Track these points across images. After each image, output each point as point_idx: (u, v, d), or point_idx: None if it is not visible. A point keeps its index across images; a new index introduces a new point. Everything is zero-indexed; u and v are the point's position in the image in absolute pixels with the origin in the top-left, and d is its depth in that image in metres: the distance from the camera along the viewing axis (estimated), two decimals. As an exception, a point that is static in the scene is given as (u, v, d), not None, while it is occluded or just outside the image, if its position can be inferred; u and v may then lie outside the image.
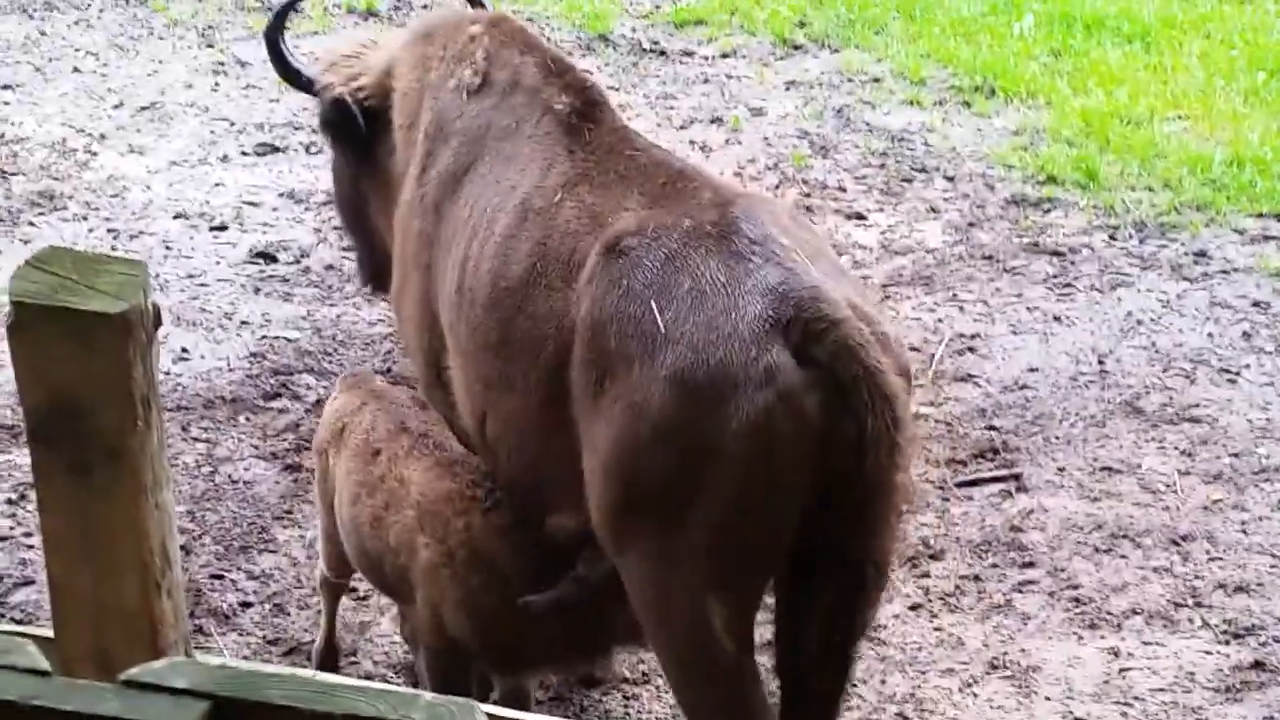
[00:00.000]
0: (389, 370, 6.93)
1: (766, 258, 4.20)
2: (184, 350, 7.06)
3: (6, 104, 9.05)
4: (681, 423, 4.10)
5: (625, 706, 5.42)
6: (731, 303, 4.12)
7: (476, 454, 4.92)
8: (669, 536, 4.19)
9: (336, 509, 5.00)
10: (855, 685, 5.30)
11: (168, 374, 6.74)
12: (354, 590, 5.75)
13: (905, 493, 4.22)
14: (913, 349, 6.65)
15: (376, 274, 6.18)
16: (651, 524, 4.22)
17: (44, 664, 1.65)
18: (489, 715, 1.63)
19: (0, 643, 1.67)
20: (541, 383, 4.46)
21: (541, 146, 4.84)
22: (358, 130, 5.65)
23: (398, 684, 5.38)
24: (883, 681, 5.39)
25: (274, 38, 6.11)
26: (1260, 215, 8.14)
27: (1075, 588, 5.85)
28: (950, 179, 8.46)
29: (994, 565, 5.96)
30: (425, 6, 10.15)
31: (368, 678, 5.26)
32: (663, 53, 9.68)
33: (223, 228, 8.00)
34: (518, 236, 4.63)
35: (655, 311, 4.17)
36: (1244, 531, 6.13)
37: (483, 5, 6.14)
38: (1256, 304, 7.48)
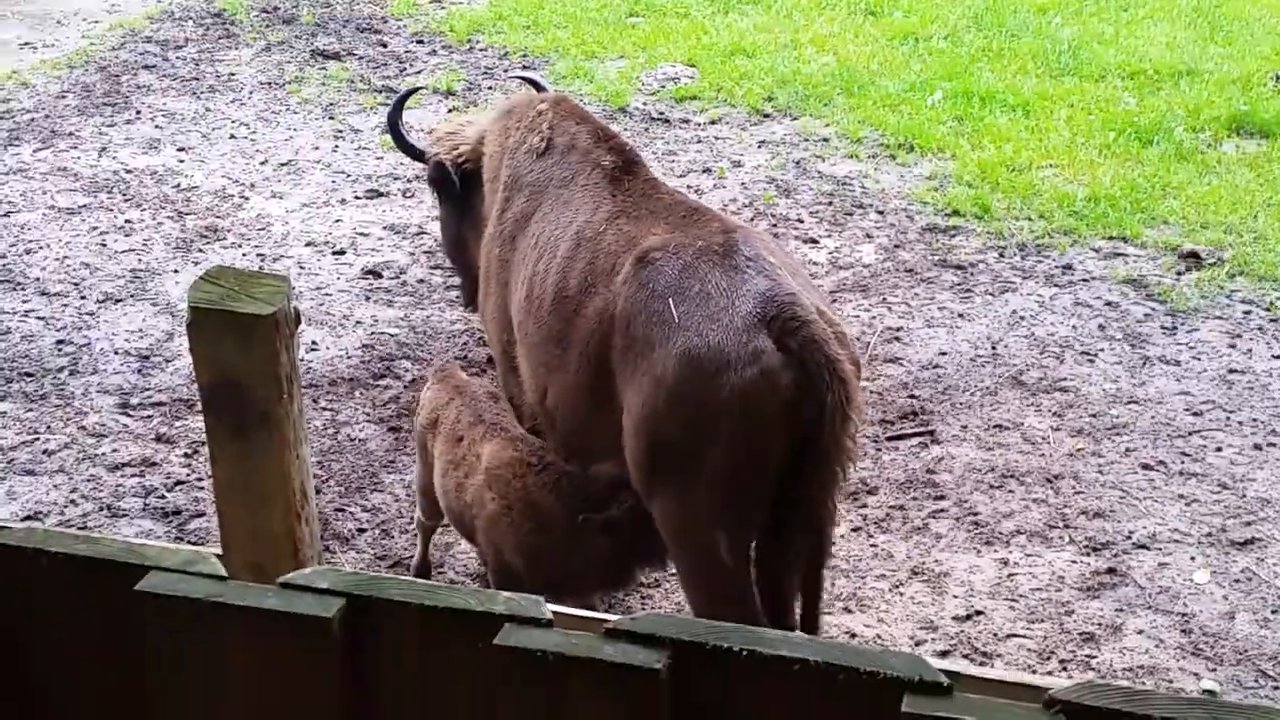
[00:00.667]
0: (465, 356, 6.94)
1: (758, 271, 4.23)
2: (314, 343, 7.07)
3: (181, 161, 9.06)
4: (688, 390, 4.12)
5: (642, 603, 5.42)
6: (729, 302, 4.15)
7: (538, 424, 4.93)
8: (684, 482, 4.21)
9: (435, 479, 5.04)
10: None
11: (302, 360, 6.75)
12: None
13: (853, 451, 4.22)
14: (856, 339, 6.64)
15: (474, 298, 6.22)
16: (671, 472, 4.23)
17: (222, 570, 1.66)
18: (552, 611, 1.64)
19: (188, 555, 1.68)
20: (588, 363, 4.50)
21: (591, 193, 4.87)
22: (454, 187, 5.70)
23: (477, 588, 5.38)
24: (832, 584, 5.39)
25: (395, 120, 6.12)
26: (1111, 238, 8.12)
27: (975, 514, 5.84)
28: (881, 213, 8.44)
29: (914, 498, 5.96)
30: (490, 88, 10.14)
31: (452, 584, 5.27)
32: (667, 121, 9.66)
33: (341, 252, 8.00)
34: (574, 257, 4.66)
35: (671, 306, 4.19)
36: (1100, 472, 6.12)
37: (544, 87, 6.14)
38: (1109, 304, 7.47)
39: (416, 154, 6.07)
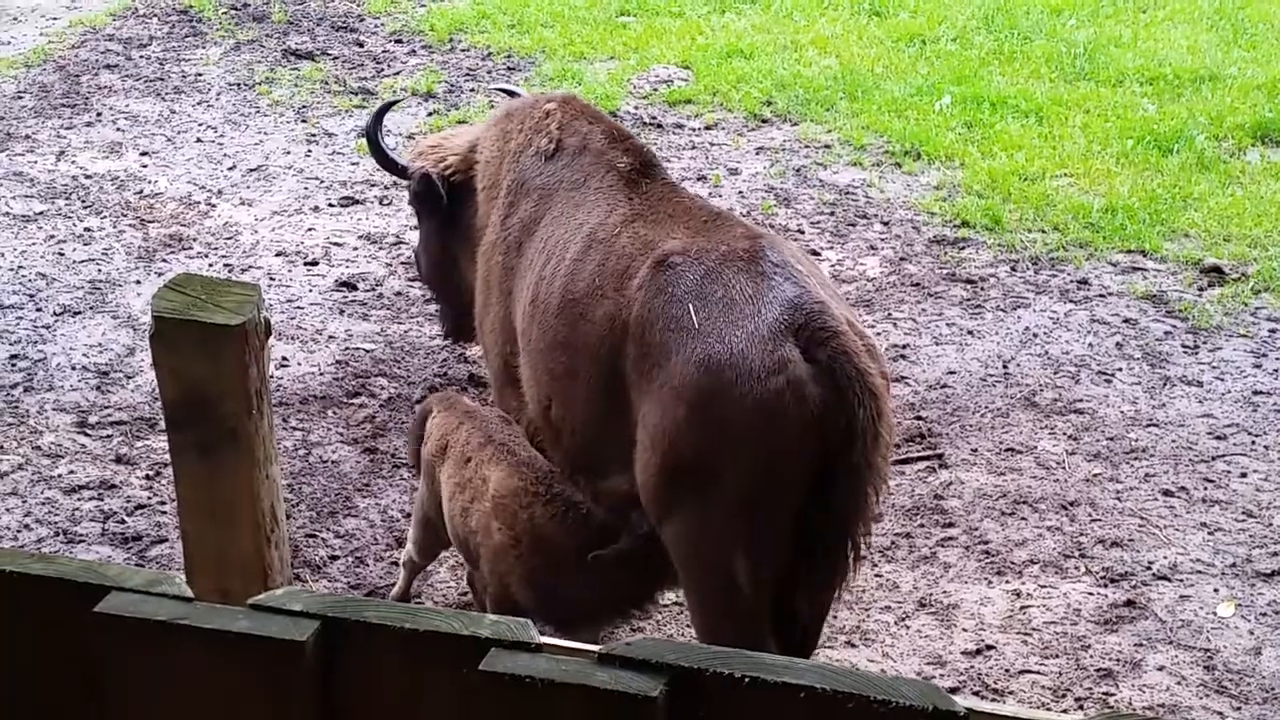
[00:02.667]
0: (445, 374, 6.93)
1: (785, 278, 4.23)
2: (284, 359, 7.05)
3: (145, 166, 9.05)
4: (708, 400, 4.10)
5: (631, 634, 5.40)
6: (755, 309, 4.14)
7: (541, 439, 4.89)
8: (701, 501, 4.18)
9: (444, 504, 5.01)
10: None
11: (272, 377, 6.72)
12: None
13: (885, 471, 4.20)
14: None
15: (457, 327, 6.19)
16: (688, 490, 4.20)
17: (189, 592, 1.65)
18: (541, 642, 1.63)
19: (154, 576, 1.67)
20: (599, 372, 4.47)
21: (606, 195, 4.86)
22: (440, 201, 5.66)
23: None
24: (834, 617, 5.37)
25: (373, 134, 6.09)
26: (1129, 251, 8.14)
27: (986, 543, 5.84)
28: (886, 223, 8.46)
29: (921, 525, 5.95)
30: (473, 90, 10.15)
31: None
32: (660, 125, 9.67)
33: (314, 263, 7.99)
34: (583, 260, 4.64)
35: (692, 312, 4.18)
36: (1118, 498, 6.12)
37: (516, 94, 6.17)
38: (1127, 320, 7.48)
39: (398, 169, 6.04)
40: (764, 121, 9.79)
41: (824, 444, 4.06)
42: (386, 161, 6.09)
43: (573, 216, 4.88)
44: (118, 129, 9.55)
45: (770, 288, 4.19)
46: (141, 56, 10.70)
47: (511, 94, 6.27)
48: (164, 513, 5.85)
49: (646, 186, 4.87)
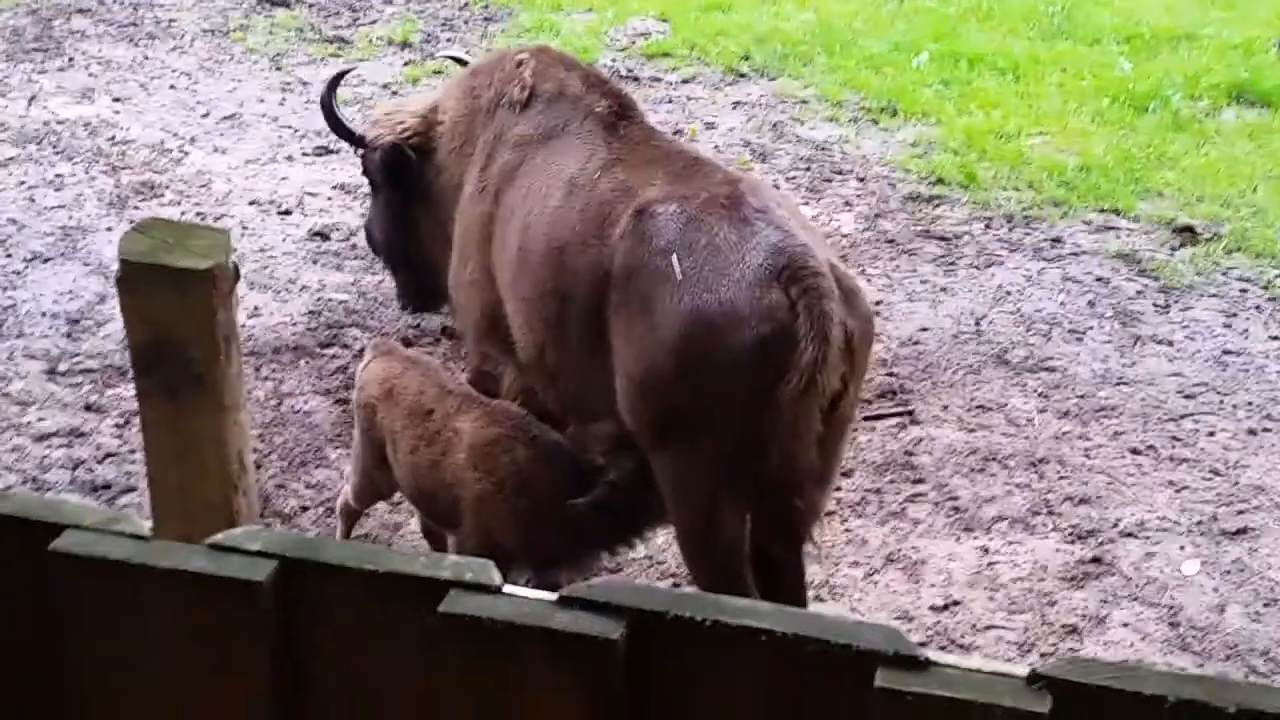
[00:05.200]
0: (419, 325, 6.89)
1: (767, 222, 4.26)
2: (256, 308, 7.01)
3: (117, 113, 8.95)
4: (699, 349, 4.13)
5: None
6: (739, 256, 4.16)
7: (531, 384, 4.89)
8: (693, 440, 4.23)
9: (391, 456, 4.95)
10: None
11: (244, 326, 6.68)
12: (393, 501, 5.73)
13: (813, 423, 4.18)
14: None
15: (418, 296, 6.10)
16: (679, 430, 4.24)
17: (145, 530, 1.63)
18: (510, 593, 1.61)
19: (109, 514, 1.65)
20: (585, 318, 4.48)
21: (585, 140, 4.84)
22: (409, 169, 5.57)
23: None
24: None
25: (329, 102, 5.98)
26: (1103, 210, 8.14)
27: (955, 499, 5.85)
28: (861, 180, 8.43)
29: (891, 481, 5.96)
30: (449, 40, 10.07)
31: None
32: (636, 79, 9.61)
33: (288, 212, 7.93)
34: (564, 207, 4.63)
35: (675, 262, 4.18)
36: (1087, 456, 6.14)
37: (465, 62, 6.14)
38: (1099, 279, 7.49)
39: (355, 139, 5.93)
40: (741, 76, 9.74)
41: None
42: (342, 130, 5.98)
43: (552, 162, 4.85)
44: (90, 74, 9.44)
45: (753, 233, 4.20)
46: (115, 1, 10.57)
47: (461, 61, 6.22)
48: (133, 461, 5.81)
49: (625, 130, 4.85)
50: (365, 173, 6.02)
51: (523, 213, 4.82)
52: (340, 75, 6.38)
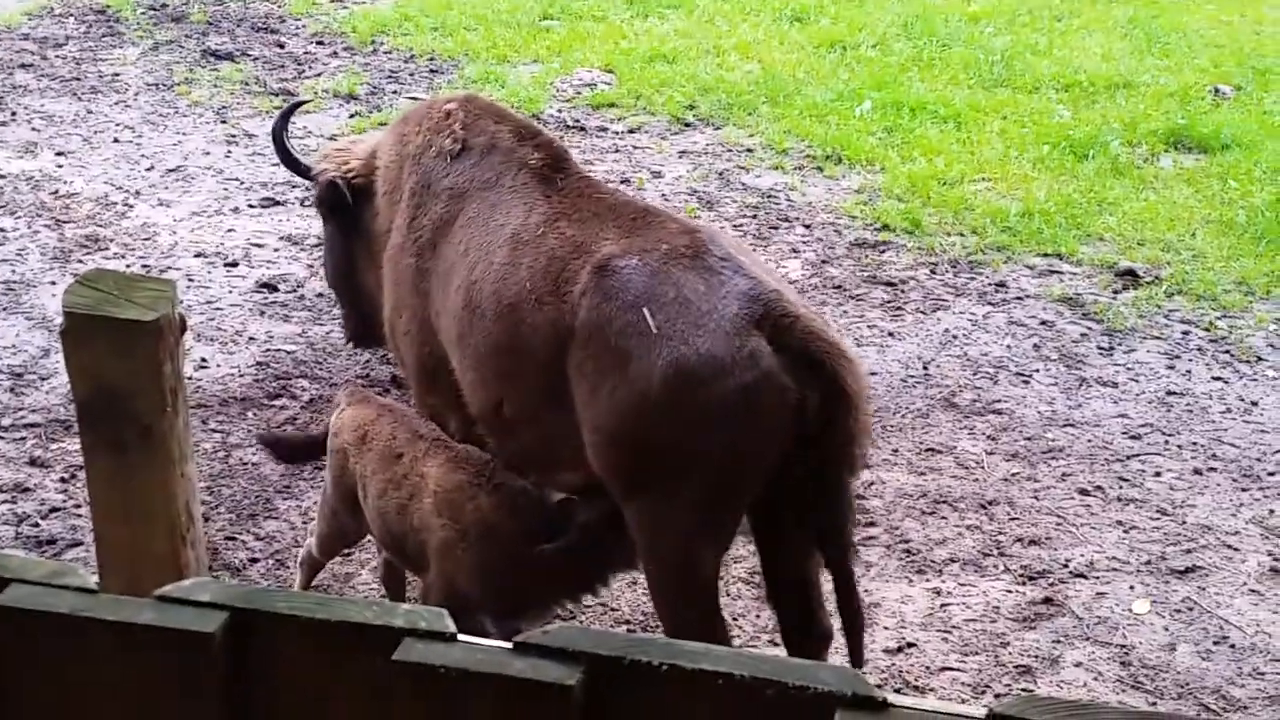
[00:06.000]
0: (368, 375, 6.86)
1: (734, 270, 4.27)
2: (203, 360, 6.96)
3: (60, 166, 8.89)
4: (680, 400, 4.12)
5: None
6: (712, 306, 4.16)
7: (486, 435, 4.86)
8: (671, 487, 4.22)
9: (362, 501, 4.91)
10: (735, 619, 5.30)
11: (191, 378, 6.63)
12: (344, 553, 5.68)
13: (866, 442, 4.32)
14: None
15: (360, 332, 6.13)
16: (654, 481, 4.24)
17: (91, 583, 1.60)
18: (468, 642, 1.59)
19: (55, 568, 1.61)
20: (544, 374, 4.46)
21: (521, 194, 4.82)
22: (346, 205, 5.58)
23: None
24: (758, 615, 5.38)
25: (279, 135, 6.00)
26: (1046, 255, 8.22)
27: (906, 541, 5.86)
28: (808, 226, 8.48)
29: (843, 525, 5.95)
30: (395, 93, 10.07)
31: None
32: (583, 129, 9.65)
33: (234, 264, 7.89)
34: (511, 264, 4.62)
35: (648, 316, 4.18)
36: (1036, 498, 6.17)
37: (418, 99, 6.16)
38: (1044, 323, 7.55)
39: (303, 171, 5.97)
40: (687, 125, 9.80)
41: (802, 426, 4.12)
42: (291, 162, 6.02)
43: (490, 217, 4.83)
44: (33, 129, 9.38)
45: (721, 283, 4.21)
46: (58, 56, 10.53)
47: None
48: (80, 515, 5.73)
49: (562, 182, 4.84)
50: (314, 204, 6.07)
51: (463, 268, 4.79)
52: (294, 107, 6.40)
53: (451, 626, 1.55)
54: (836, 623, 4.54)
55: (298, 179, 8.64)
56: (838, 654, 4.67)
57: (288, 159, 6.02)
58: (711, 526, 4.30)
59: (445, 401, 5.00)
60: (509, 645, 1.54)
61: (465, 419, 4.96)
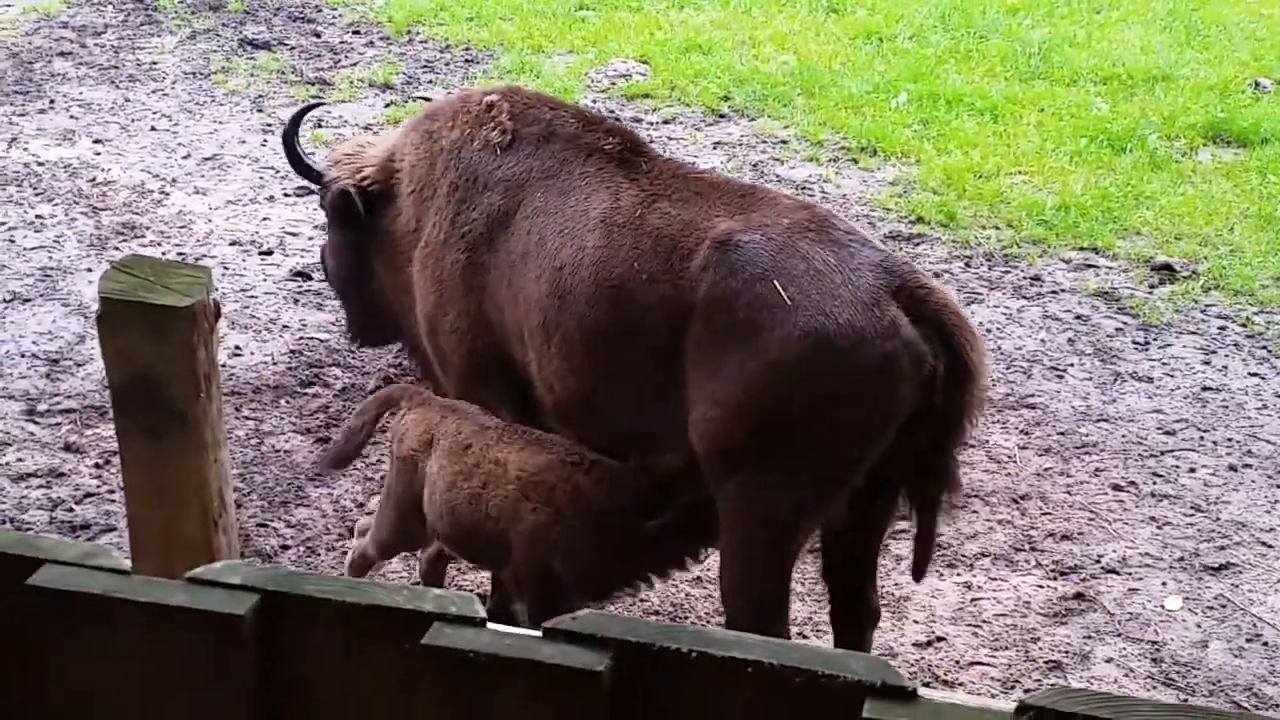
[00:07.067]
0: (400, 364, 6.87)
1: (862, 243, 4.32)
2: (237, 348, 6.99)
3: (98, 154, 8.95)
4: (820, 370, 4.15)
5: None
6: (845, 278, 4.18)
7: (562, 426, 4.84)
8: (789, 464, 4.24)
9: (429, 500, 4.84)
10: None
11: (225, 366, 6.66)
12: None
13: (979, 416, 4.43)
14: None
15: (365, 331, 6.03)
16: (776, 456, 4.24)
17: (125, 565, 1.61)
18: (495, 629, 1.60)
19: (88, 549, 1.63)
20: (655, 354, 4.43)
21: (600, 179, 4.76)
22: (358, 212, 5.47)
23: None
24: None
25: (290, 139, 5.90)
26: (1082, 249, 8.18)
27: (937, 535, 5.82)
28: (841, 219, 8.45)
29: (875, 518, 5.93)
30: (430, 83, 10.09)
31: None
32: (618, 120, 9.63)
33: (269, 253, 7.92)
34: (609, 246, 4.56)
35: (779, 288, 4.19)
36: (1068, 492, 6.14)
37: (428, 99, 6.08)
38: (1079, 317, 7.51)
39: (314, 176, 5.86)
40: (721, 117, 9.78)
41: (928, 394, 4.19)
42: (302, 167, 5.88)
43: (564, 204, 4.75)
44: (71, 116, 9.44)
45: (852, 254, 4.24)
46: (96, 44, 10.58)
47: (430, 101, 6.16)
48: (113, 501, 5.77)
49: (648, 165, 4.77)
50: (322, 207, 5.96)
51: (543, 256, 4.71)
52: (304, 111, 6.31)
53: (481, 612, 1.56)
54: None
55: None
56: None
57: (298, 164, 5.89)
58: (823, 500, 4.32)
59: (496, 396, 4.96)
60: (538, 632, 1.54)
61: (517, 412, 4.93)
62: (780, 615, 4.42)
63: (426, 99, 6.50)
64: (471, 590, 5.30)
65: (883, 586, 5.53)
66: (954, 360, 4.17)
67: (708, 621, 5.35)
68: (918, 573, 4.66)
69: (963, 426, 4.33)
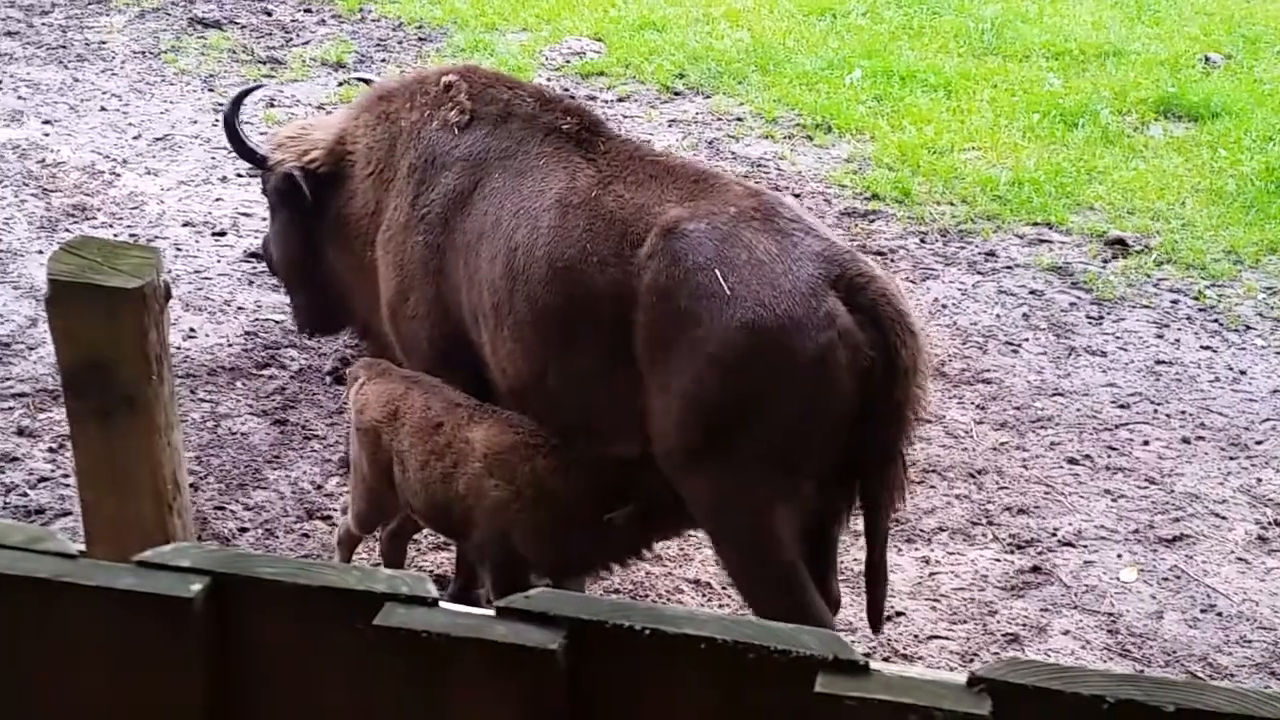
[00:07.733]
0: (357, 345, 6.83)
1: (805, 232, 4.29)
2: (191, 330, 6.93)
3: (47, 135, 8.84)
4: (756, 360, 4.13)
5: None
6: (786, 267, 4.16)
7: (520, 410, 4.80)
8: (739, 457, 4.23)
9: (399, 476, 4.85)
10: (726, 589, 5.30)
11: (179, 349, 6.61)
12: (328, 518, 5.68)
13: (923, 403, 4.38)
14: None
15: (316, 319, 5.86)
16: (725, 447, 4.23)
17: (72, 549, 1.59)
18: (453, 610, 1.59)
19: (35, 533, 1.61)
20: (603, 339, 4.41)
21: (556, 159, 4.72)
22: (304, 196, 5.37)
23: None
24: (746, 584, 5.37)
25: (231, 121, 5.76)
26: (1035, 224, 8.21)
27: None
28: (797, 195, 8.45)
29: (832, 494, 5.96)
30: (383, 61, 10.03)
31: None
32: (572, 98, 9.57)
33: (222, 234, 7.86)
34: (563, 227, 4.52)
35: (720, 278, 4.16)
36: (1024, 467, 6.18)
37: (368, 82, 6.04)
38: (1033, 292, 7.55)
39: (257, 160, 5.71)
40: (676, 94, 9.76)
41: (867, 384, 4.18)
42: (244, 150, 5.71)
43: (521, 184, 4.71)
44: (19, 97, 9.32)
45: (794, 244, 4.22)
46: (43, 23, 10.45)
47: (368, 82, 6.06)
48: (68, 485, 5.72)
49: (605, 146, 4.73)
50: (264, 192, 5.82)
51: (499, 237, 4.67)
52: (245, 93, 6.18)
53: (433, 591, 1.55)
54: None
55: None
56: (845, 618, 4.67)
57: (240, 147, 5.74)
58: (783, 494, 4.27)
59: (459, 382, 4.92)
60: (491, 611, 1.54)
61: (481, 398, 4.90)
62: (792, 590, 4.34)
63: (366, 80, 6.38)
64: (431, 571, 5.31)
65: (841, 562, 5.55)
66: (887, 353, 4.16)
67: (667, 599, 5.36)
68: (874, 618, 4.63)
69: (904, 419, 4.28)
